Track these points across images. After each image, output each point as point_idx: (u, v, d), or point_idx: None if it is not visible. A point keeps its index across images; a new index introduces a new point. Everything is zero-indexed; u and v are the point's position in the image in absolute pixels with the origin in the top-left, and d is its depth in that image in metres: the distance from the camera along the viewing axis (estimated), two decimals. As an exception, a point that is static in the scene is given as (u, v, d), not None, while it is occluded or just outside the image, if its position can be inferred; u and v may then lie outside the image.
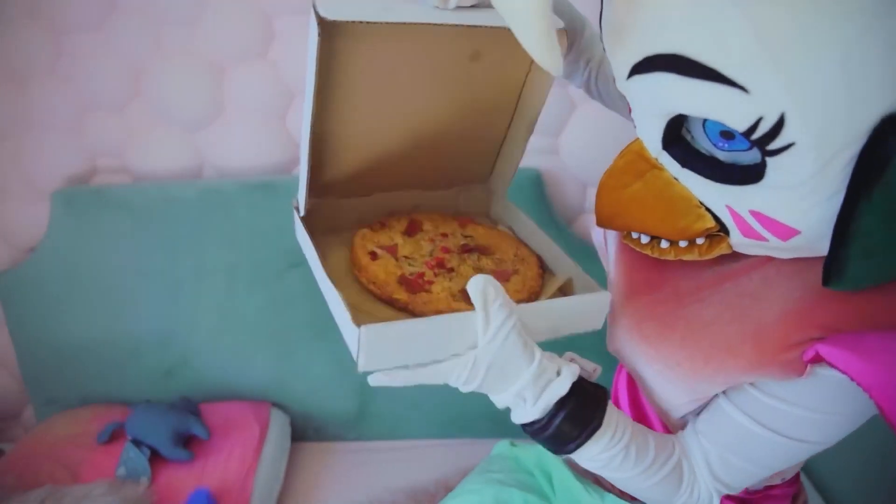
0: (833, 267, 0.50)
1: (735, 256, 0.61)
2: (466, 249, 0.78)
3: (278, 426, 1.53)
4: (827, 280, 0.51)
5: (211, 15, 1.37)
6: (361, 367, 0.55)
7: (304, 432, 1.62)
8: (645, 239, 0.63)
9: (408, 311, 0.68)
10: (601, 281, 0.71)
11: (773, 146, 0.46)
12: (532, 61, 0.69)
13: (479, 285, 0.57)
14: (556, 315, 0.64)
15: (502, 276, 0.72)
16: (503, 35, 0.54)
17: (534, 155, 1.46)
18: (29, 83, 1.42)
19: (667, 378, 0.65)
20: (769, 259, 0.59)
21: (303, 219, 0.75)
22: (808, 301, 0.57)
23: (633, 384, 0.78)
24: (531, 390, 0.58)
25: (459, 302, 0.67)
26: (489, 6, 0.56)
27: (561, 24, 0.70)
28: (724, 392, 0.63)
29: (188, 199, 1.45)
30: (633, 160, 0.59)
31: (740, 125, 0.46)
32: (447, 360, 0.57)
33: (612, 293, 0.73)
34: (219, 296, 1.51)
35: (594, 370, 0.65)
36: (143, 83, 1.43)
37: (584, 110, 1.41)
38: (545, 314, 0.63)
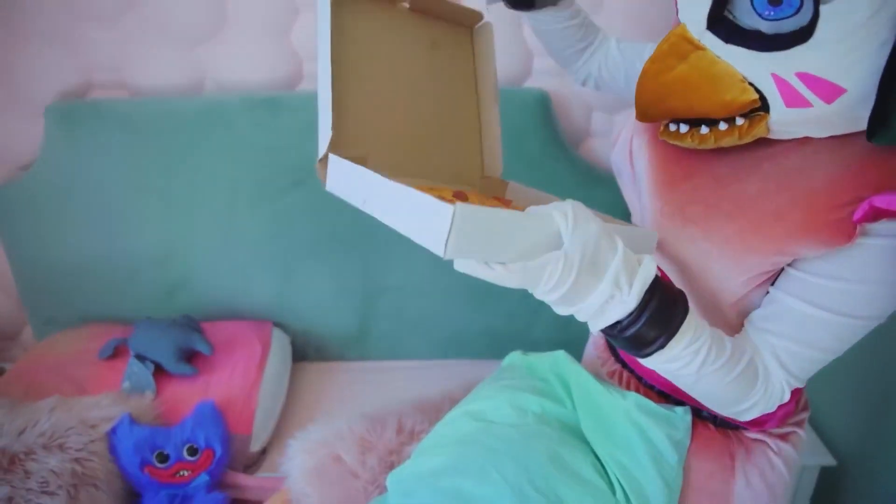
0: (878, 119, 0.52)
1: (769, 143, 0.63)
2: None
3: (280, 345, 1.54)
4: (872, 134, 0.53)
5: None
6: (449, 253, 0.49)
7: (305, 352, 1.64)
8: (684, 128, 0.65)
9: None
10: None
11: None
12: (474, 47, 0.83)
13: (546, 204, 0.55)
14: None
15: None
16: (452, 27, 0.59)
17: (541, 76, 1.45)
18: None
19: (715, 258, 0.66)
20: (806, 140, 0.61)
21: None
22: (855, 166, 0.59)
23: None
24: (625, 274, 0.54)
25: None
26: None
27: None
28: (773, 284, 0.65)
29: (188, 114, 1.42)
30: (676, 42, 0.61)
31: None
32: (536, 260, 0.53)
33: (650, 187, 0.74)
34: (220, 214, 1.49)
35: None
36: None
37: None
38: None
